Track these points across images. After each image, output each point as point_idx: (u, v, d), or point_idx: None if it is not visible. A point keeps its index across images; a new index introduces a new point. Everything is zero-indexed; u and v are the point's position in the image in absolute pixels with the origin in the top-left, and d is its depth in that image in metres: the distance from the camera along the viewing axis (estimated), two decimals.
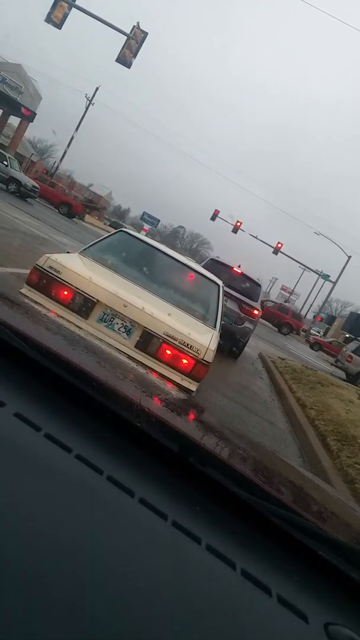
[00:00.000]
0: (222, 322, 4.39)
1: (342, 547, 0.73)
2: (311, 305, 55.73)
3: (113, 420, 0.81)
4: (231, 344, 8.90)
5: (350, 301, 79.91)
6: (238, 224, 38.83)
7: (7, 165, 21.12)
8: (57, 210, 27.32)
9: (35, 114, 29.85)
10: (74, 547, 0.54)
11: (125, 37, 16.83)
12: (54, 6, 16.80)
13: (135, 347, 3.33)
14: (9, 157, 21.84)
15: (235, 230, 38.91)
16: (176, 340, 3.29)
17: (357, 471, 4.67)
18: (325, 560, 0.70)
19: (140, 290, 3.66)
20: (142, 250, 4.38)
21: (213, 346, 3.43)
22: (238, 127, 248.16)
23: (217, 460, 0.80)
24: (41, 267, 3.32)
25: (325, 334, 46.08)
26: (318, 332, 45.98)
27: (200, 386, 3.46)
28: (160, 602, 0.53)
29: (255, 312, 9.44)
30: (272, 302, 33.97)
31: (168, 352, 3.30)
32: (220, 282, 4.57)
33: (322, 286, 48.77)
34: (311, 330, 42.37)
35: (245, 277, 9.71)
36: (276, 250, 39.68)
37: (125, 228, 5.86)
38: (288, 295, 62.98)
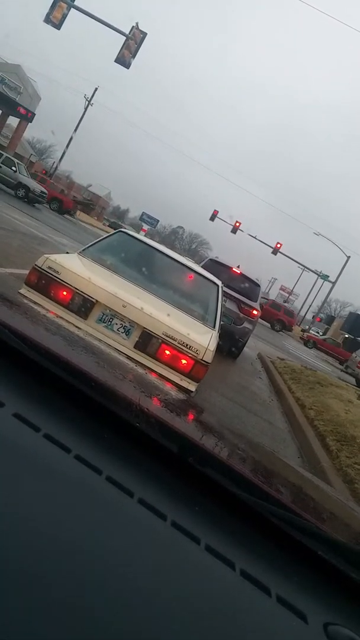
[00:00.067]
0: (221, 323, 4.40)
1: (341, 547, 0.73)
2: (310, 306, 55.91)
3: (112, 421, 0.81)
4: (230, 344, 8.90)
5: (350, 301, 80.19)
6: (237, 224, 38.87)
7: (15, 171, 21.04)
8: (48, 207, 26.45)
9: (34, 114, 29.83)
10: (74, 547, 0.54)
11: (124, 38, 16.83)
12: (52, 7, 16.76)
13: (135, 347, 3.32)
14: (17, 163, 21.73)
15: (234, 230, 38.95)
16: (175, 341, 3.29)
17: (357, 471, 4.67)
18: (325, 561, 0.70)
19: (140, 291, 3.66)
20: (141, 251, 4.38)
21: (212, 346, 3.43)
22: (238, 127, 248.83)
23: (217, 461, 0.80)
24: (40, 268, 3.32)
25: (324, 334, 46.05)
26: (317, 333, 45.96)
27: (199, 386, 3.46)
28: (160, 602, 0.53)
29: (255, 312, 9.44)
30: (265, 298, 33.77)
31: (167, 352, 3.30)
32: (219, 283, 4.56)
33: (321, 286, 48.90)
34: (310, 330, 42.38)
35: (244, 278, 9.71)
36: (275, 251, 39.75)
37: (125, 228, 5.86)
38: (287, 295, 63.09)
